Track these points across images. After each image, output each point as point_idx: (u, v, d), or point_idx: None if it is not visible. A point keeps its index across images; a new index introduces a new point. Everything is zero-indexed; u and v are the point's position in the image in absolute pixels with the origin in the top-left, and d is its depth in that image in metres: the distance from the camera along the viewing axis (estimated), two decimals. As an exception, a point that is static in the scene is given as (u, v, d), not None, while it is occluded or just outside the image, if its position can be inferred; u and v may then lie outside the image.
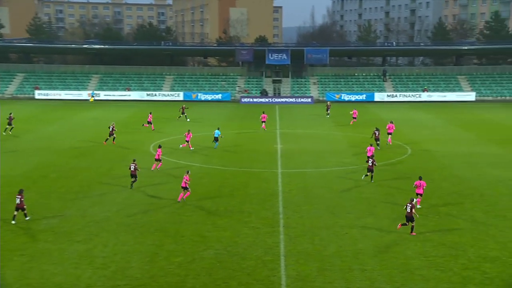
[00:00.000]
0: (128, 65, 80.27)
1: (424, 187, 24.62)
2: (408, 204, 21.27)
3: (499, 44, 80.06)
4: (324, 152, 37.68)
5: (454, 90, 72.90)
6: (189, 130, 37.97)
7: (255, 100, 71.97)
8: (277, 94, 75.11)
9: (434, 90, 73.17)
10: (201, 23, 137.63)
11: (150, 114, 47.06)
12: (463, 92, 72.16)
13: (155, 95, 72.64)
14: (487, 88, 73.60)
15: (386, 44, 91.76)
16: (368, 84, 77.03)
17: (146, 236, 21.03)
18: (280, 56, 75.37)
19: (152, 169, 30.91)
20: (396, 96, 72.19)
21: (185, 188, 25.12)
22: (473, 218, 23.28)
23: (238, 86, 76.18)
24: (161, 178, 29.56)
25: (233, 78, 78.25)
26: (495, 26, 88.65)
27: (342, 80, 78.46)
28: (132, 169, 27.58)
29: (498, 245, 20.12)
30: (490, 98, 71.72)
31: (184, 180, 25.06)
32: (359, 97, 72.60)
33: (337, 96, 72.85)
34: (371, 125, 49.67)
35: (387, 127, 39.67)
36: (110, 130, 39.25)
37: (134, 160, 28.42)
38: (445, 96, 71.07)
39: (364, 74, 79.70)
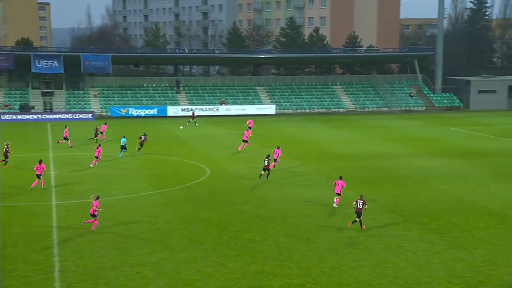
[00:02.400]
0: None
1: (343, 187, 29.97)
2: (358, 201, 26.41)
3: (296, 52, 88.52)
4: (111, 177, 36.99)
5: (253, 103, 78.09)
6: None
7: (19, 117, 67.48)
8: (48, 110, 71.46)
9: (233, 103, 77.38)
10: None
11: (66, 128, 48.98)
12: (263, 104, 77.74)
13: None
14: (287, 100, 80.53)
15: (177, 50, 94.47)
16: (159, 96, 78.08)
17: None
18: (50, 63, 72.02)
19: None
20: (191, 110, 74.34)
21: (93, 216, 25.93)
22: (277, 243, 24.97)
23: (-4, 100, 70.67)
24: None
25: (-12, 90, 72.33)
26: (291, 33, 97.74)
27: (128, 92, 78.20)
28: None
29: (302, 271, 21.85)
30: (290, 111, 78.59)
31: (94, 207, 25.88)
32: (149, 111, 73.10)
33: (124, 110, 72.30)
34: (164, 144, 50.23)
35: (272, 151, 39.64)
36: (4, 151, 39.52)
37: None
38: (244, 109, 75.59)
39: (154, 85, 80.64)
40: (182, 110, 74.08)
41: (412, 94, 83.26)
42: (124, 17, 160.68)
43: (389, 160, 43.36)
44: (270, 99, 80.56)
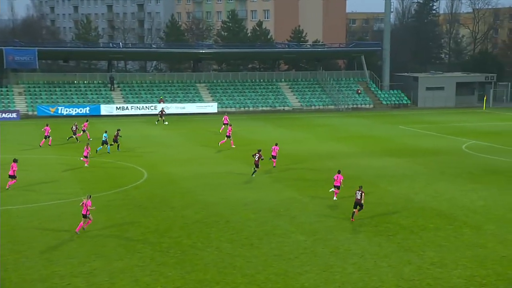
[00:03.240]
0: None
1: (341, 180, 32.09)
2: (357, 192, 28.65)
3: (239, 47, 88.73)
4: (37, 181, 36.14)
5: (194, 101, 77.83)
6: None
7: None
8: (-34, 109, 69.10)
9: (172, 101, 76.87)
10: None
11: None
12: (204, 102, 77.60)
13: None
14: (229, 98, 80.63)
15: (111, 45, 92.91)
16: (92, 94, 76.80)
17: None
18: (-32, 58, 69.63)
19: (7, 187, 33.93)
20: (127, 108, 73.54)
21: (85, 216, 26.39)
22: (219, 249, 24.99)
23: None
24: None
25: None
26: (233, 27, 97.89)
27: (58, 89, 76.59)
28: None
29: (246, 278, 21.95)
30: (233, 109, 78.69)
31: (87, 206, 26.35)
32: (81, 110, 71.82)
33: (52, 109, 70.74)
34: (97, 145, 49.54)
35: (271, 148, 41.20)
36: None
37: None
38: (184, 107, 75.23)
39: (86, 82, 79.28)
40: (117, 109, 73.08)
41: (359, 91, 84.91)
42: (52, 8, 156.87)
43: (337, 161, 44.03)
44: (211, 96, 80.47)
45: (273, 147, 41.20)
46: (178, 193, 34.16)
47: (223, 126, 55.83)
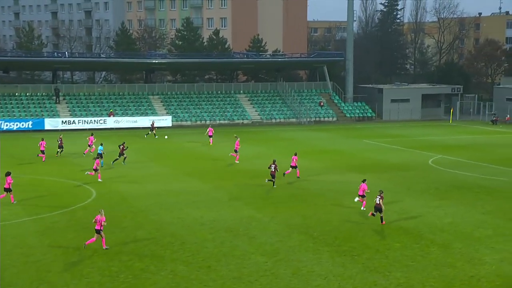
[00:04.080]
0: None
1: (365, 190, 33.82)
2: (377, 196, 30.96)
3: (194, 57, 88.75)
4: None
5: (146, 114, 77.42)
6: None
7: None
8: None
9: (123, 114, 76.30)
10: None
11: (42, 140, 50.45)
12: (158, 116, 77.20)
13: None
14: (185, 111, 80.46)
15: (56, 54, 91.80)
16: (35, 107, 75.74)
17: None
18: None
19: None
20: (74, 122, 72.69)
21: (98, 232, 27.25)
22: (174, 272, 24.80)
23: None
24: None
25: None
26: (188, 36, 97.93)
27: (-3, 102, 75.26)
28: None
29: (204, 301, 21.84)
30: (189, 122, 78.56)
31: (101, 222, 27.14)
32: (23, 124, 70.74)
33: (-8, 124, 69.42)
34: (42, 162, 48.63)
35: (291, 158, 43.50)
36: None
37: None
38: (136, 121, 74.76)
39: (28, 94, 78.22)
40: (63, 123, 72.17)
41: (322, 104, 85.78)
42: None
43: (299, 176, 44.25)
44: (165, 109, 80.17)
45: (292, 157, 43.36)
46: (129, 213, 33.81)
47: (210, 138, 59.73)
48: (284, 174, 42.38)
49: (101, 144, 48.78)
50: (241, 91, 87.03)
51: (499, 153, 56.44)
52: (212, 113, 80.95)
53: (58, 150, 51.86)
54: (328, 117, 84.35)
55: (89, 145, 52.93)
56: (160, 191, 39.52)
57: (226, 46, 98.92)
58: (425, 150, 57.56)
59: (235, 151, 50.55)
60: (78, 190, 39.64)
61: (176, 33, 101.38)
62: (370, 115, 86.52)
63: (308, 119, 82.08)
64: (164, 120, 76.00)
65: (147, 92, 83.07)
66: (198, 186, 41.00)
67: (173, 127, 75.04)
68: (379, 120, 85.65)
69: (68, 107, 77.08)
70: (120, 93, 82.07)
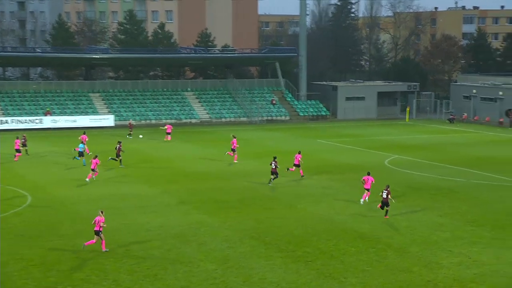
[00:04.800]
0: None
1: (372, 182, 36.73)
2: (384, 191, 33.65)
3: (138, 52, 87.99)
4: None
5: (86, 113, 76.49)
6: None
7: None
8: None
9: (61, 113, 75.20)
10: None
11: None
12: (99, 115, 76.36)
13: None
14: (128, 110, 79.76)
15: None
16: (-36, 105, 73.90)
17: None
18: None
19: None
20: (6, 122, 71.30)
21: (97, 233, 27.91)
22: (117, 282, 24.61)
23: None
24: None
25: None
26: (131, 29, 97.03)
27: None
28: None
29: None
30: (133, 122, 77.62)
31: (100, 223, 27.87)
32: (-49, 125, 68.89)
33: None
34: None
35: (294, 157, 45.12)
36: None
37: None
38: (75, 121, 73.81)
39: (-43, 92, 76.18)
40: (-5, 122, 70.70)
41: (274, 102, 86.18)
42: None
43: (251, 179, 44.41)
44: (107, 108, 79.36)
45: (295, 156, 44.97)
46: (68, 219, 33.39)
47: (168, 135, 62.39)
48: (287, 169, 44.36)
49: (82, 143, 51.25)
50: (189, 89, 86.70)
51: (456, 153, 57.76)
52: (157, 112, 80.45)
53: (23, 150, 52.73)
54: (281, 116, 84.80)
55: (82, 143, 53.49)
56: (102, 195, 39.11)
57: (172, 41, 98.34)
58: (381, 150, 58.45)
59: (233, 150, 51.13)
60: (11, 194, 38.77)
61: (118, 27, 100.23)
62: (324, 113, 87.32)
63: (260, 118, 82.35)
64: (106, 120, 75.17)
65: (87, 90, 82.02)
66: (145, 190, 40.72)
67: (116, 127, 74.22)
68: (333, 119, 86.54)
69: (0, 105, 75.49)
70: (58, 91, 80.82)
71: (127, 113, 79.03)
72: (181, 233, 31.07)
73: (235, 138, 52.31)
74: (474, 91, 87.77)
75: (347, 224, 33.06)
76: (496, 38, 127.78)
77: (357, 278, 25.20)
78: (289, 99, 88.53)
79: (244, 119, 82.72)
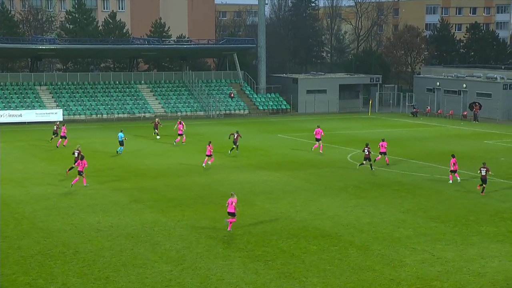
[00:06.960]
0: None
1: (385, 146, 46.12)
2: (481, 168, 38.04)
3: (88, 43, 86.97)
4: None
5: (32, 107, 75.47)
6: None
7: None
8: None
9: (5, 108, 74.10)
10: None
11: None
12: (46, 109, 75.38)
13: None
14: (78, 104, 78.89)
15: None
16: None
17: None
18: None
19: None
20: None
21: (232, 214, 30.68)
22: (66, 286, 24.34)
23: None
24: None
25: None
26: (80, 19, 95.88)
27: None
28: None
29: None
30: (83, 116, 77.11)
31: (234, 204, 30.52)
32: None
33: None
34: None
35: (379, 145, 48.60)
36: None
37: None
38: (20, 115, 72.88)
39: None
40: None
41: (232, 95, 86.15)
42: None
43: (207, 175, 44.32)
44: (55, 102, 78.49)
45: (380, 144, 48.38)
46: (12, 220, 32.89)
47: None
48: (374, 160, 46.96)
49: (121, 131, 53.51)
50: (142, 81, 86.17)
51: (420, 147, 58.53)
52: (109, 106, 79.72)
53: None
54: (239, 109, 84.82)
55: (62, 136, 55.38)
56: (49, 194, 38.63)
57: (124, 31, 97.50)
58: (343, 145, 58.88)
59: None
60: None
61: (66, 16, 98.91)
62: (284, 107, 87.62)
63: (218, 112, 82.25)
64: (54, 114, 74.17)
65: (33, 82, 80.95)
66: (94, 188, 40.31)
67: (64, 121, 73.23)
68: (294, 112, 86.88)
69: None
70: (1, 84, 79.59)
71: (76, 107, 78.17)
72: (134, 233, 30.84)
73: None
74: (438, 83, 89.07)
75: (308, 222, 33.21)
76: (459, 29, 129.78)
77: (318, 278, 25.33)
78: (248, 92, 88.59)
79: (201, 113, 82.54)
